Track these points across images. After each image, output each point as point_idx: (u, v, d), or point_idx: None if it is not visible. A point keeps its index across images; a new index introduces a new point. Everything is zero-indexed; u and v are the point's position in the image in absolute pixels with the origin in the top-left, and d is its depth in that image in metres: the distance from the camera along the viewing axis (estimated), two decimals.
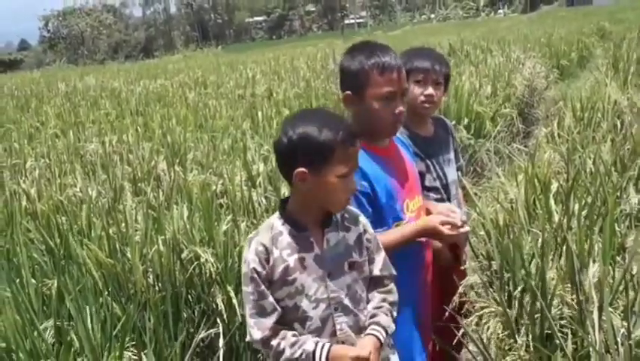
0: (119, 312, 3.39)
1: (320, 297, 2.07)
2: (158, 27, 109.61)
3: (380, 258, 2.23)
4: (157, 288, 3.60)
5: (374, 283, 2.22)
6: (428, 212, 2.65)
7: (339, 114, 2.16)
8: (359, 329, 2.15)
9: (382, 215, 2.43)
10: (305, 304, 2.07)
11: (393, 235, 2.42)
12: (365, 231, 2.20)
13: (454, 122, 6.79)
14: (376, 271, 2.22)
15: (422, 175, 3.00)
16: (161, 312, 3.45)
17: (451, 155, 3.25)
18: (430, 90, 3.04)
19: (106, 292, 3.50)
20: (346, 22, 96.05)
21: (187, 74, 16.36)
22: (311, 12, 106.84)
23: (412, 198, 2.55)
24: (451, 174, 3.20)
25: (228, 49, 64.54)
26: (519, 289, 2.65)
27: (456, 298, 2.83)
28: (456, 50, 14.23)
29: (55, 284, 3.45)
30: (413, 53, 3.20)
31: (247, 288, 2.07)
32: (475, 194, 3.59)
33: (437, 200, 3.03)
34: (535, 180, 3.63)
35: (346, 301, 2.11)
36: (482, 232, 3.18)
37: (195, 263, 3.65)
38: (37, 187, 5.30)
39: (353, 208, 2.24)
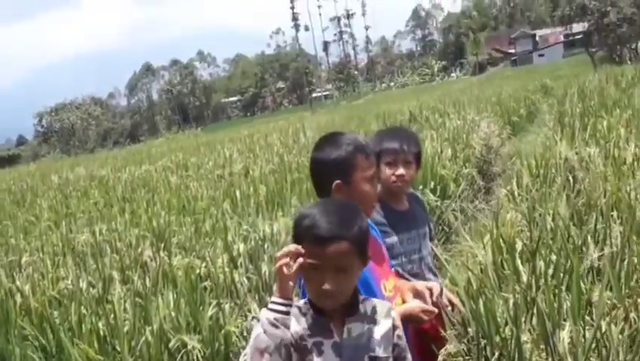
0: None
1: None
2: (142, 113, 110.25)
3: (409, 357, 2.05)
4: None
5: None
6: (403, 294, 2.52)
7: (349, 217, 1.93)
8: None
9: None
10: None
11: None
12: (395, 326, 2.01)
13: (420, 187, 6.76)
14: None
15: (394, 249, 2.90)
16: None
17: (426, 229, 3.16)
18: (400, 170, 2.96)
19: None
20: (314, 95, 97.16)
21: (169, 158, 16.27)
22: (281, 89, 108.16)
23: (387, 279, 2.43)
24: (426, 246, 3.11)
25: (207, 129, 64.83)
26: (496, 355, 2.53)
27: None
28: (416, 116, 14.33)
29: None
30: (384, 134, 3.13)
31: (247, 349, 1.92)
32: (446, 260, 3.49)
33: (412, 274, 2.93)
34: (501, 241, 3.55)
35: None
36: (456, 300, 3.07)
37: (183, 351, 3.49)
38: (31, 282, 5.13)
39: (385, 302, 2.09)
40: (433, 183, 6.98)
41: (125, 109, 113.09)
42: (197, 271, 4.84)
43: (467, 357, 2.67)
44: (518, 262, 3.26)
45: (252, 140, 17.51)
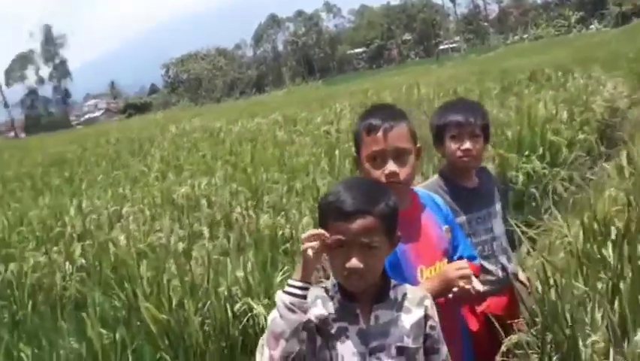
0: None
1: None
2: (267, 64, 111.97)
3: (444, 350, 1.93)
4: (212, 340, 3.48)
5: None
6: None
7: (375, 194, 1.88)
8: None
9: None
10: None
11: None
12: (428, 316, 1.90)
13: (527, 153, 6.40)
14: None
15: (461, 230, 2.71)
16: None
17: (498, 207, 2.94)
18: (467, 145, 2.76)
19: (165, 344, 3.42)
20: (441, 47, 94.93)
21: (281, 112, 16.39)
22: (407, 40, 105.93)
23: (430, 265, 2.21)
24: (498, 226, 2.90)
25: (329, 81, 65.00)
26: (559, 354, 2.32)
27: (498, 359, 2.53)
28: (536, 74, 13.55)
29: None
30: (445, 107, 2.96)
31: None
32: (532, 239, 3.26)
33: (484, 257, 2.74)
34: (594, 222, 3.24)
35: None
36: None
37: (249, 315, 3.50)
38: (127, 234, 5.34)
39: (420, 289, 1.98)
40: (542, 149, 6.59)
41: (251, 60, 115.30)
42: (281, 232, 4.84)
43: (530, 350, 2.47)
44: (609, 248, 2.96)
45: (365, 95, 17.30)
